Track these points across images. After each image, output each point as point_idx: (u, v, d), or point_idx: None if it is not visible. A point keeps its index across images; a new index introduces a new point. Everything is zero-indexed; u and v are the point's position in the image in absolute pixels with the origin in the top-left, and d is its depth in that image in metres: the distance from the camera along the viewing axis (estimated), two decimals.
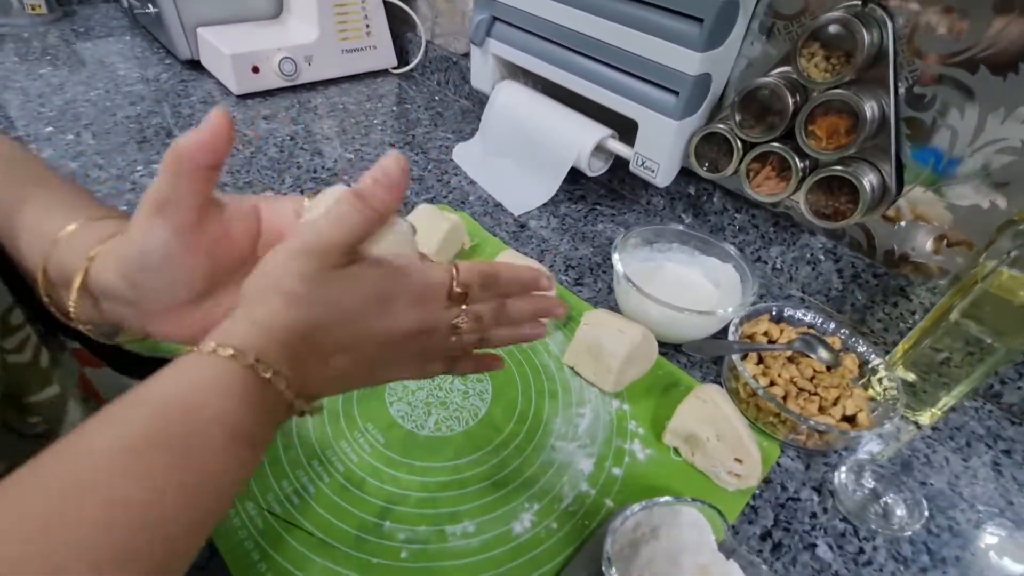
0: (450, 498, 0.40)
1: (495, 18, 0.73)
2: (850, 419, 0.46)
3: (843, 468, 0.44)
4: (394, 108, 0.96)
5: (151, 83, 0.91)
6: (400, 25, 1.03)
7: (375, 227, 0.24)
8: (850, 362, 0.50)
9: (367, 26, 0.98)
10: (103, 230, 0.26)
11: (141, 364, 0.34)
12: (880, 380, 0.49)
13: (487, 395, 0.48)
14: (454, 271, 0.27)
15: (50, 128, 0.76)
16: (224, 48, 0.86)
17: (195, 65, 0.97)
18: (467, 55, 0.97)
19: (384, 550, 0.37)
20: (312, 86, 0.97)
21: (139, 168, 0.70)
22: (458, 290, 0.27)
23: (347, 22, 0.95)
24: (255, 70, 0.88)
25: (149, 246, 0.24)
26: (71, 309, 0.26)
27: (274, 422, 0.23)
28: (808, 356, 0.49)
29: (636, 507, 0.37)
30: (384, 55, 1.03)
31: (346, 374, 0.26)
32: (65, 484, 0.17)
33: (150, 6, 0.92)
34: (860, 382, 0.50)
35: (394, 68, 1.05)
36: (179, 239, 0.24)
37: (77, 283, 0.25)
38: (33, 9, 1.05)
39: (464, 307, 0.28)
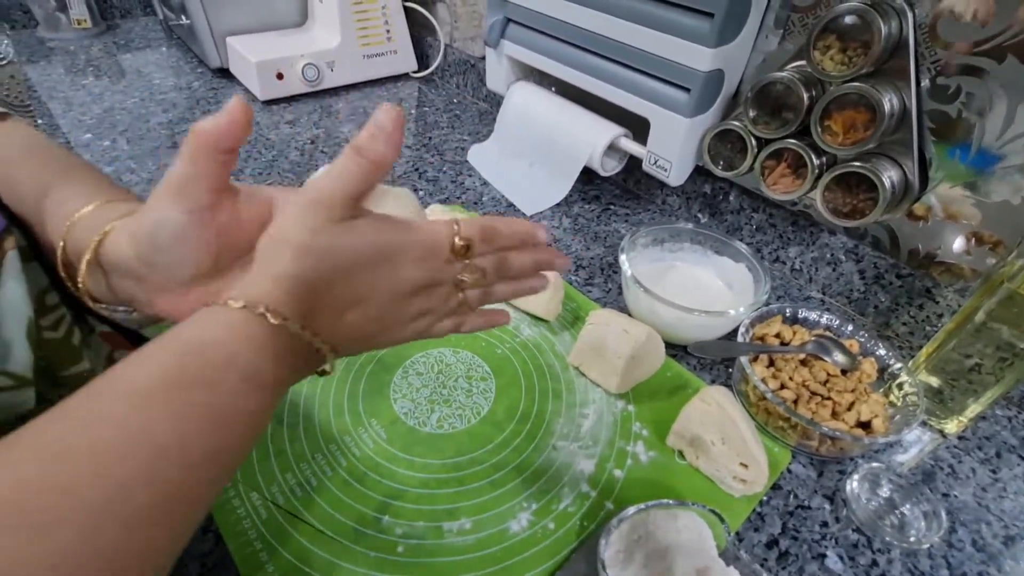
0: (449, 495, 0.41)
1: (508, 19, 0.74)
2: (865, 425, 0.44)
3: (856, 476, 0.42)
4: (413, 111, 0.98)
5: (183, 91, 0.95)
6: (420, 30, 1.05)
7: (375, 178, 0.25)
8: (869, 366, 0.48)
9: (388, 31, 1.00)
10: (118, 210, 0.28)
11: None
12: (901, 385, 0.47)
13: (490, 394, 0.48)
14: (456, 226, 0.28)
15: (89, 135, 0.80)
16: (250, 56, 0.89)
17: (225, 73, 1.01)
18: (484, 58, 0.98)
19: (381, 544, 0.38)
20: (335, 91, 1.00)
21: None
22: (460, 243, 0.28)
23: (368, 28, 0.97)
24: (279, 76, 0.91)
25: (163, 223, 0.25)
26: (80, 283, 0.28)
27: (291, 368, 0.24)
28: (822, 359, 0.47)
29: (632, 509, 0.36)
30: (404, 59, 1.05)
31: (359, 329, 0.27)
32: (85, 417, 0.19)
33: (183, 17, 0.97)
34: (881, 388, 0.48)
35: (414, 72, 1.07)
36: (193, 219, 0.25)
37: (88, 256, 0.27)
38: (79, 24, 1.11)
39: (467, 262, 0.29)
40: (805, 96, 0.51)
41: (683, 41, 0.55)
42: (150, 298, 0.28)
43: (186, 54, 1.10)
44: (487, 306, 0.33)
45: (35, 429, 0.18)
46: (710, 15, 0.52)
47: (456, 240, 0.28)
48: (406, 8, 1.00)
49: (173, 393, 0.20)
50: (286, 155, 0.80)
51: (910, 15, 0.45)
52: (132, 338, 0.36)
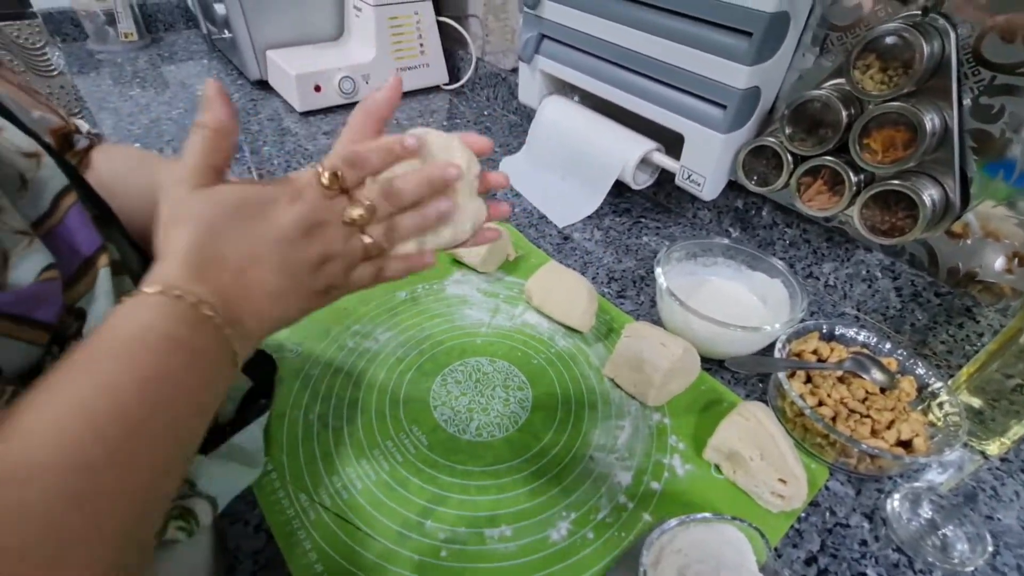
0: (489, 502, 0.42)
1: (543, 36, 0.75)
2: (906, 444, 0.44)
3: (897, 496, 0.42)
4: (444, 123, 1.00)
5: None
6: (452, 44, 1.07)
7: (221, 144, 0.27)
8: (908, 385, 0.48)
9: (421, 45, 1.02)
10: None
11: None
12: (941, 405, 0.46)
13: (527, 403, 0.49)
14: (319, 166, 0.28)
15: (137, 144, 0.84)
16: (290, 69, 0.92)
17: (263, 85, 1.04)
18: (515, 71, 1.00)
19: (425, 548, 0.39)
20: None
21: None
22: (325, 174, 0.28)
23: (402, 42, 1.00)
24: (317, 89, 0.94)
25: None
26: None
27: (206, 340, 0.25)
28: (860, 377, 0.47)
29: (674, 522, 0.37)
30: (436, 72, 1.07)
31: (267, 285, 0.27)
32: (95, 382, 0.21)
33: (226, 31, 1.00)
34: (919, 407, 0.48)
35: (445, 84, 1.09)
36: None
37: None
38: (126, 37, 1.16)
39: (348, 197, 0.29)
40: (844, 114, 0.51)
41: (720, 59, 0.55)
42: None
43: (226, 66, 1.13)
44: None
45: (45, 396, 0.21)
46: (748, 34, 0.53)
47: (321, 172, 0.28)
48: (439, 22, 1.03)
49: (100, 365, 0.22)
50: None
51: (952, 35, 0.46)
52: None
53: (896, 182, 0.50)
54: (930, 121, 0.47)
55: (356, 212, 0.29)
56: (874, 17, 0.51)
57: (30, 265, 0.25)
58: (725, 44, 0.55)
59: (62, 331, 0.26)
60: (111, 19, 1.14)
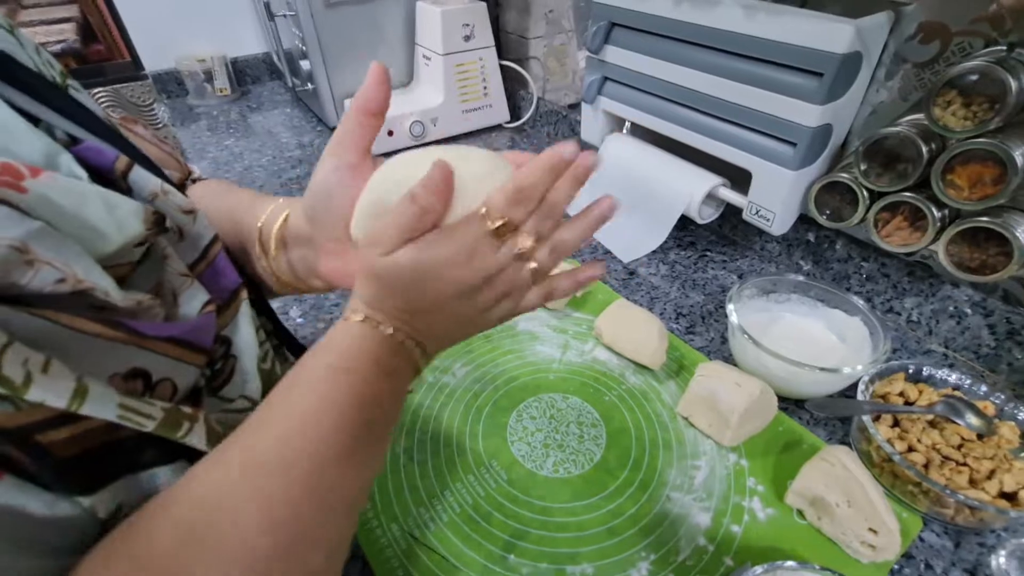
0: (569, 539, 0.43)
1: (606, 78, 0.78)
2: (1010, 496, 0.42)
3: (1003, 552, 0.40)
4: None
5: (306, 148, 1.08)
6: (513, 84, 1.12)
7: (424, 222, 0.28)
8: (1008, 431, 0.45)
9: (485, 88, 1.08)
10: (298, 201, 0.36)
11: None
12: None
13: (601, 440, 0.50)
14: (483, 211, 0.28)
15: None
16: None
17: None
18: (574, 106, 1.03)
19: None
20: (436, 143, 1.08)
21: None
22: (498, 226, 0.28)
23: (468, 86, 1.06)
24: (390, 133, 1.01)
25: (320, 176, 0.31)
26: (272, 256, 0.36)
27: (405, 361, 0.31)
28: (953, 422, 0.45)
29: (759, 569, 0.37)
30: (499, 112, 1.12)
31: (447, 326, 0.32)
32: (294, 399, 0.27)
33: (309, 84, 1.10)
34: (1022, 454, 0.45)
35: (507, 123, 1.14)
36: (340, 173, 0.31)
37: (277, 226, 0.35)
38: (221, 92, 1.29)
39: (515, 236, 0.29)
40: (924, 150, 0.50)
41: (790, 99, 0.56)
42: (319, 263, 0.35)
43: (306, 113, 1.24)
44: (567, 268, 0.34)
45: (267, 411, 0.26)
46: (819, 75, 0.53)
47: (490, 225, 0.28)
48: (502, 66, 1.08)
49: (341, 377, 0.27)
50: None
51: None
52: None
53: (985, 219, 0.48)
54: (1020, 156, 0.45)
55: (527, 243, 0.29)
56: (953, 52, 0.50)
57: (195, 302, 0.30)
58: (794, 84, 0.55)
59: (213, 355, 0.31)
60: (209, 77, 1.27)
